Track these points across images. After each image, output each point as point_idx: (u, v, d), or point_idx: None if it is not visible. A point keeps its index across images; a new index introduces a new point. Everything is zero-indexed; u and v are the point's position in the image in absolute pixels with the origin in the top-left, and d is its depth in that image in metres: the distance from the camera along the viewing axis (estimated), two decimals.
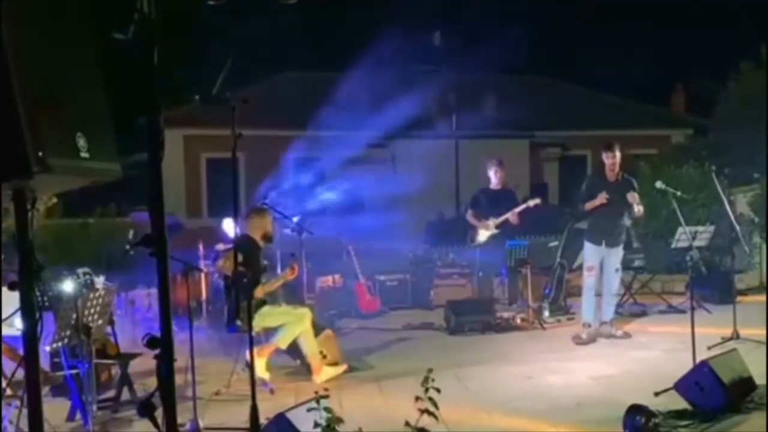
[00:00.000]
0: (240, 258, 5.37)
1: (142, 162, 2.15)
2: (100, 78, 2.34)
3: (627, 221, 7.98)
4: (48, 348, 5.11)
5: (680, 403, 5.11)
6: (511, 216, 8.98)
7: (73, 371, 5.40)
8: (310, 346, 6.69)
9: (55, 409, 5.51)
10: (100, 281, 7.44)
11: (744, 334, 7.10)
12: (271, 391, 6.27)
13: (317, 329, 6.92)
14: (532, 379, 6.50)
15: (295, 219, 8.36)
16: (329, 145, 22.71)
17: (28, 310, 2.21)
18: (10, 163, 1.95)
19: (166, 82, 2.16)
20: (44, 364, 5.67)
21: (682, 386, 5.15)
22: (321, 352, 6.78)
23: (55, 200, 13.08)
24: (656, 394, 5.38)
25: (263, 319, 6.58)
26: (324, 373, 6.64)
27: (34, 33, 2.07)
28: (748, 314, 7.55)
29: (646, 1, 31.18)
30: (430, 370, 3.39)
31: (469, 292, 10.07)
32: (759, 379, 5.40)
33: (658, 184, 7.86)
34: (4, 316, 2.41)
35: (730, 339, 7.03)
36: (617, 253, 7.94)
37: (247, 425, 4.52)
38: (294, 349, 6.81)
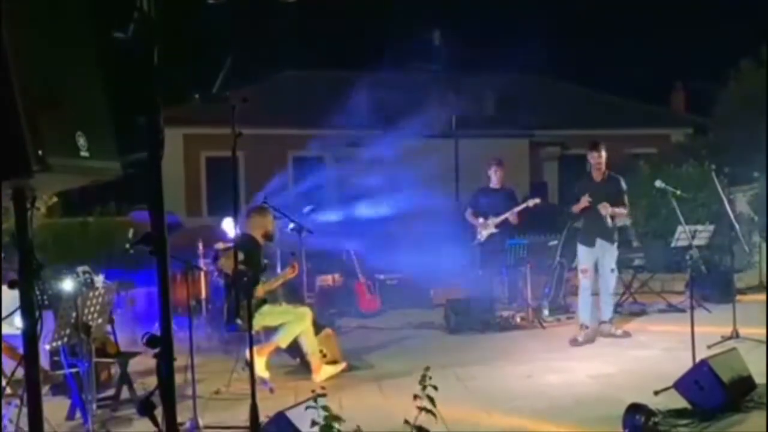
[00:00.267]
0: (240, 257, 5.37)
1: (142, 161, 2.15)
2: (100, 77, 2.34)
3: (627, 221, 7.99)
4: (48, 347, 5.11)
5: (680, 402, 5.11)
6: (511, 215, 8.98)
7: (73, 370, 5.40)
8: (310, 345, 6.69)
9: (54, 407, 5.52)
10: (99, 280, 7.44)
11: (743, 333, 7.10)
12: (271, 390, 6.27)
13: (317, 328, 6.92)
14: (532, 378, 6.51)
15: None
16: (329, 144, 22.73)
17: (27, 308, 2.21)
18: (10, 161, 1.95)
19: (166, 80, 2.16)
20: (44, 362, 5.68)
21: (681, 385, 5.15)
22: (321, 351, 6.78)
23: (55, 199, 13.09)
24: (656, 393, 5.38)
25: (263, 318, 6.59)
26: (323, 372, 6.65)
27: (34, 32, 2.07)
28: (748, 313, 7.56)
29: (646, 1, 31.17)
30: (427, 368, 3.40)
31: (469, 292, 10.06)
32: (758, 378, 5.40)
33: (658, 183, 7.85)
34: (3, 314, 2.41)
35: (730, 338, 7.03)
36: (611, 253, 7.91)
37: (247, 424, 4.52)
38: (294, 348, 6.82)
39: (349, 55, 25.58)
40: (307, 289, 8.93)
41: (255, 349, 5.11)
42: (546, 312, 9.16)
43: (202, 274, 8.74)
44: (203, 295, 8.82)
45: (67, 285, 5.86)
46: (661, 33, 31.20)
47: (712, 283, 9.24)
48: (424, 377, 3.37)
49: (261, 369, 6.32)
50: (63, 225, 14.70)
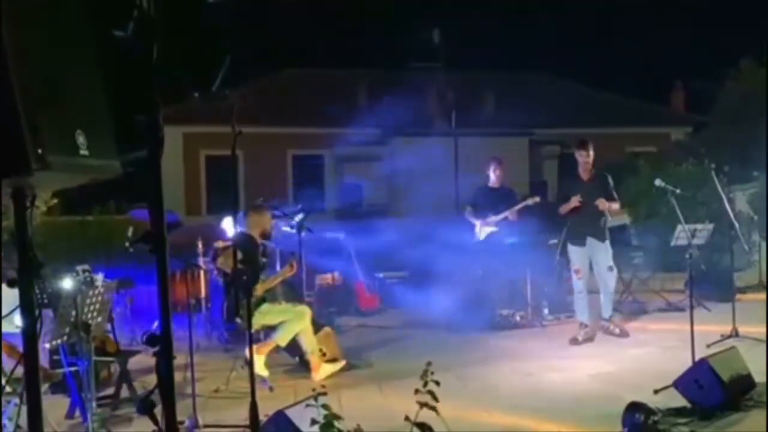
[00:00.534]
0: (239, 255, 5.38)
1: (142, 159, 2.14)
2: (100, 75, 2.34)
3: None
4: (47, 345, 5.11)
5: (679, 401, 5.11)
6: (511, 214, 8.98)
7: (73, 368, 5.40)
8: (309, 344, 6.69)
9: (54, 406, 5.52)
10: (99, 278, 7.43)
11: (743, 332, 7.10)
12: (271, 389, 6.28)
13: (316, 327, 6.93)
14: (532, 377, 6.51)
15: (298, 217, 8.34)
16: (329, 143, 22.74)
17: (27, 307, 2.20)
18: (10, 160, 1.95)
19: (166, 79, 2.16)
20: (43, 361, 5.68)
21: (681, 384, 5.15)
22: (320, 350, 6.78)
23: (55, 200, 13.10)
24: (655, 391, 5.39)
25: (263, 316, 6.59)
26: (323, 371, 6.65)
27: (34, 30, 2.07)
28: (747, 312, 7.56)
29: (647, 0, 31.18)
30: (429, 363, 3.39)
31: (469, 291, 10.05)
32: (758, 377, 5.41)
33: (658, 182, 7.85)
34: (3, 313, 2.41)
35: (729, 337, 7.04)
36: (605, 251, 7.82)
37: (247, 423, 4.52)
38: (293, 347, 6.82)
39: (349, 54, 25.57)
40: (306, 287, 8.92)
41: (254, 347, 5.11)
42: (546, 311, 9.15)
43: (202, 272, 8.75)
44: (203, 293, 8.82)
45: (67, 283, 5.85)
46: (661, 32, 31.24)
47: (712, 282, 9.23)
48: (425, 372, 3.36)
49: (260, 367, 6.33)
50: (62, 223, 14.71)
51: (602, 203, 7.66)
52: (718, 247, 10.11)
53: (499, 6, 28.52)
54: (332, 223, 17.33)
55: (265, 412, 4.40)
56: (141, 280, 8.41)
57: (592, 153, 7.79)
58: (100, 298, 5.35)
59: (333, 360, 6.87)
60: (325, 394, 3.70)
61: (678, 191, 7.80)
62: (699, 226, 9.26)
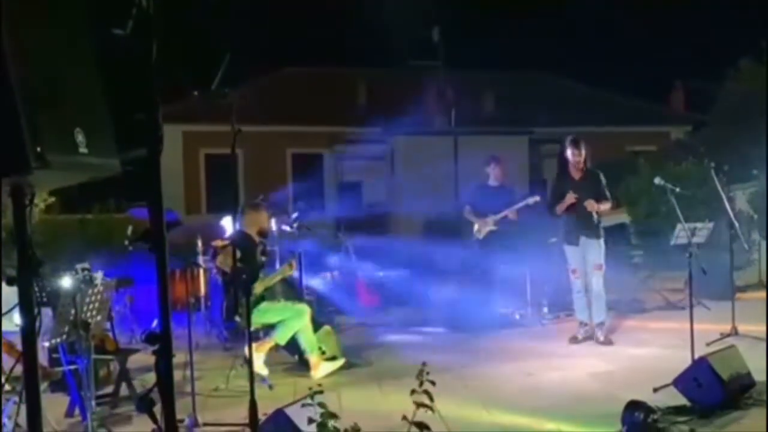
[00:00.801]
0: (237, 254, 5.38)
1: (141, 158, 2.14)
2: (99, 74, 2.33)
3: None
4: (46, 344, 5.11)
5: (679, 400, 5.12)
6: (510, 213, 8.97)
7: (72, 367, 5.40)
8: (308, 342, 6.70)
9: (53, 404, 5.53)
10: (98, 277, 7.43)
11: (742, 330, 7.11)
12: (270, 387, 6.28)
13: (316, 325, 6.93)
14: (532, 376, 6.51)
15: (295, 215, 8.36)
16: (328, 142, 22.73)
17: (26, 305, 2.20)
18: (9, 158, 1.94)
19: (165, 77, 2.15)
20: (43, 359, 5.67)
21: (680, 382, 5.15)
22: (320, 348, 6.78)
23: (53, 199, 13.09)
24: (655, 390, 5.39)
25: (262, 315, 6.59)
26: (322, 369, 6.65)
27: (33, 29, 2.06)
28: (747, 311, 7.58)
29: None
30: (424, 364, 3.39)
31: (468, 289, 10.05)
32: (757, 376, 5.41)
33: (657, 181, 7.84)
34: (2, 311, 2.40)
35: (729, 335, 7.04)
36: (597, 249, 7.74)
37: (246, 421, 4.52)
38: (293, 345, 6.82)
39: (348, 53, 25.57)
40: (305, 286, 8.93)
41: (254, 346, 5.11)
42: (545, 309, 9.16)
43: (201, 271, 8.75)
44: (202, 292, 8.83)
45: (66, 282, 5.85)
46: (660, 31, 31.24)
47: (711, 281, 9.22)
48: (421, 372, 3.36)
49: (260, 366, 6.33)
50: (62, 222, 14.70)
51: (591, 205, 7.61)
52: (717, 245, 10.11)
53: (498, 4, 28.51)
54: (331, 221, 17.33)
55: (264, 410, 4.40)
56: (140, 279, 8.40)
57: (584, 152, 7.75)
58: (99, 296, 5.34)
59: (332, 358, 6.87)
60: (322, 392, 3.70)
61: (678, 190, 7.79)
62: (699, 225, 9.25)
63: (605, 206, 7.81)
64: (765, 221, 10.87)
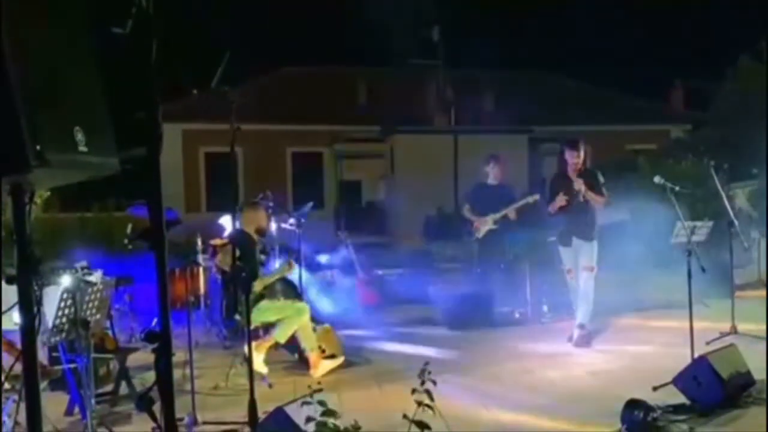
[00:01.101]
0: (237, 253, 5.38)
1: (141, 156, 2.14)
2: (99, 72, 2.33)
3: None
4: (46, 342, 5.10)
5: (678, 398, 5.12)
6: (510, 212, 8.97)
7: (72, 365, 5.40)
8: (308, 341, 6.70)
9: (53, 403, 5.52)
10: (98, 275, 7.43)
11: (742, 329, 7.12)
12: (270, 386, 6.28)
13: (316, 323, 6.93)
14: (531, 374, 6.52)
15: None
16: (328, 140, 22.73)
17: (26, 304, 2.20)
18: (9, 157, 1.94)
19: (165, 76, 2.15)
20: (42, 358, 5.67)
21: (680, 381, 5.15)
22: (320, 347, 6.78)
23: (48, 193, 13.06)
24: (654, 388, 5.39)
25: (262, 313, 6.59)
26: (322, 367, 6.65)
27: (33, 28, 2.06)
28: (747, 309, 7.57)
29: None
30: (426, 363, 3.40)
31: (468, 288, 10.05)
32: (757, 374, 5.41)
33: (657, 179, 7.83)
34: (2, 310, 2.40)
35: (729, 334, 7.05)
36: (588, 250, 7.68)
37: (246, 419, 4.53)
38: (292, 344, 6.82)
39: (348, 52, 25.56)
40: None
41: (253, 344, 5.11)
42: (545, 308, 9.15)
43: (201, 269, 8.75)
44: (202, 290, 8.83)
45: (66, 280, 5.84)
46: (660, 30, 31.24)
47: (711, 280, 9.22)
48: (423, 372, 3.37)
49: (259, 364, 6.33)
50: (61, 220, 14.71)
51: (579, 183, 7.54)
52: (717, 244, 10.11)
53: (498, 4, 28.49)
54: (331, 220, 17.33)
55: (264, 408, 4.41)
56: (140, 277, 8.40)
57: (582, 154, 7.71)
58: (99, 295, 5.34)
59: (332, 356, 6.87)
60: (321, 390, 3.70)
61: (677, 188, 7.79)
62: (698, 224, 9.25)
63: (600, 199, 7.73)
64: (765, 219, 10.87)
